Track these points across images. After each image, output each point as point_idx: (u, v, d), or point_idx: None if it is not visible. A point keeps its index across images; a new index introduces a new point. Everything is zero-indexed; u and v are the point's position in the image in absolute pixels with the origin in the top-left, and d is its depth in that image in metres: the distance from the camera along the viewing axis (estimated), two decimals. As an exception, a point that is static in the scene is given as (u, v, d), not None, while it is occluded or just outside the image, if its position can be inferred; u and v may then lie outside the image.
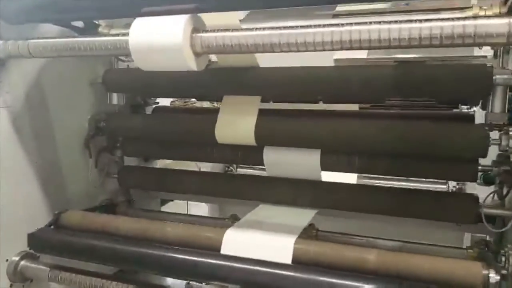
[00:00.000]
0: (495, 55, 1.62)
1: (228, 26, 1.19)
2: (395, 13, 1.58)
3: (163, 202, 2.67)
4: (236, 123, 1.66)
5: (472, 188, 2.26)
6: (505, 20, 1.02)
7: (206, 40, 1.15)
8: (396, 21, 1.08)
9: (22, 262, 1.58)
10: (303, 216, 1.61)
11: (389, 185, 1.73)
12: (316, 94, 1.75)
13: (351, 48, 1.14)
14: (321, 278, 1.19)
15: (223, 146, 1.77)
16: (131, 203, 2.13)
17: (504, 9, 1.21)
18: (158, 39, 1.13)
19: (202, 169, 2.57)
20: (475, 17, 1.19)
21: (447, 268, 1.17)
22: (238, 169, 3.02)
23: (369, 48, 1.39)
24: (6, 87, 1.57)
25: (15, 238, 1.60)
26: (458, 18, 1.06)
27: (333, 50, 1.14)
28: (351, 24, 1.11)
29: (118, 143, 2.05)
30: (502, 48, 1.49)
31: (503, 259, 1.27)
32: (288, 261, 1.31)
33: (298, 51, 1.11)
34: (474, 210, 1.46)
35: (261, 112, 1.66)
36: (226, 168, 3.05)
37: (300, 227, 1.47)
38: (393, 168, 1.59)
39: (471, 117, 1.66)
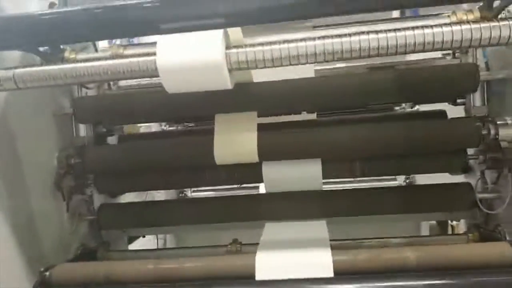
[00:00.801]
0: (453, 56, 1.82)
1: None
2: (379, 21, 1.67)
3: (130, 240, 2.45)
4: (237, 141, 1.60)
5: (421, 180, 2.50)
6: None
7: (242, 56, 1.09)
8: (388, 30, 1.14)
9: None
10: (318, 228, 1.60)
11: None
12: (306, 105, 1.77)
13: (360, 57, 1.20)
14: (374, 284, 1.19)
15: (217, 168, 1.70)
16: (108, 245, 1.91)
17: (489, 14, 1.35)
18: (195, 57, 1.04)
19: (156, 198, 2.43)
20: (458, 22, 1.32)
21: (482, 252, 1.26)
22: (192, 193, 2.93)
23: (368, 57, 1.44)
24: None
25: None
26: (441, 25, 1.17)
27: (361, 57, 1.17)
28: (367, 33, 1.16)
29: (88, 180, 1.84)
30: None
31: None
32: (331, 274, 1.28)
33: (334, 59, 1.11)
34: (471, 197, 1.59)
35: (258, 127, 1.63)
36: (180, 194, 2.93)
37: (326, 239, 1.46)
38: (393, 167, 1.67)
39: (444, 113, 1.81)
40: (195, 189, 2.88)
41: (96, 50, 1.79)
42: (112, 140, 2.04)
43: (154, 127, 2.85)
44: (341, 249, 1.39)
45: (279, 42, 1.14)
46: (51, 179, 1.69)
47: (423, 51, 1.22)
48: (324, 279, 1.25)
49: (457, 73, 1.51)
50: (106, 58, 1.24)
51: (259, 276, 1.30)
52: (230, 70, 1.12)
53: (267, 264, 1.33)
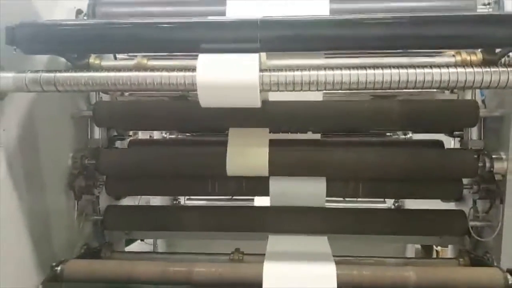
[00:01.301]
0: (452, 91, 1.95)
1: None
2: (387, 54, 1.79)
3: (127, 242, 2.49)
4: (249, 154, 1.69)
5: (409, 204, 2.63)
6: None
7: (274, 78, 1.19)
8: (394, 66, 1.27)
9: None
10: (319, 243, 1.68)
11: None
12: (314, 126, 1.86)
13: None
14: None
15: (226, 179, 1.77)
16: (111, 246, 1.96)
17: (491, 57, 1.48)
18: (232, 77, 1.13)
19: (151, 203, 2.49)
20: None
21: (475, 276, 1.37)
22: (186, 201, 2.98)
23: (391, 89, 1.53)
24: (3, 124, 1.37)
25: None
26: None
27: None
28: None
29: (98, 181, 1.89)
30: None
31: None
32: (334, 286, 1.36)
33: (352, 88, 1.22)
34: (464, 224, 1.71)
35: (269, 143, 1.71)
36: (174, 202, 2.98)
37: (329, 253, 1.54)
38: (393, 191, 1.77)
39: (441, 143, 1.94)
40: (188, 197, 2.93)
41: (115, 58, 1.86)
42: (121, 144, 2.10)
43: (155, 135, 2.94)
44: (341, 264, 1.47)
45: (305, 69, 1.24)
46: (65, 178, 1.74)
47: (429, 88, 1.35)
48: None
49: (460, 108, 1.64)
50: (130, 69, 1.31)
51: (266, 285, 1.37)
52: (261, 91, 1.21)
53: (275, 274, 1.41)
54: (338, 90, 1.28)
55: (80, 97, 1.85)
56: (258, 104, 1.21)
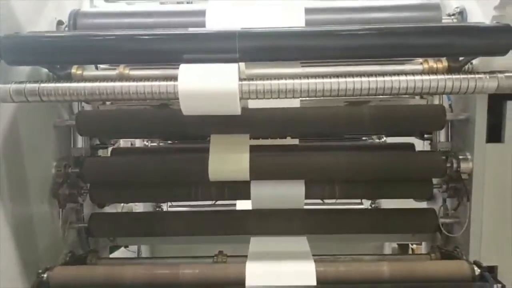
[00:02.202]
0: (421, 97, 2.07)
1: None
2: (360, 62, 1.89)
3: (111, 250, 2.51)
4: (230, 160, 1.74)
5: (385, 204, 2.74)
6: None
7: (253, 87, 1.26)
8: (366, 75, 1.39)
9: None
10: (299, 243, 1.75)
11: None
12: (291, 131, 1.93)
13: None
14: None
15: (208, 184, 1.83)
16: (97, 253, 1.98)
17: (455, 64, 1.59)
18: (213, 86, 1.19)
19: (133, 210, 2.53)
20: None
21: (446, 268, 1.46)
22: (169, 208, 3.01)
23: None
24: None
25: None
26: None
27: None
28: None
29: (82, 189, 1.92)
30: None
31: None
32: (314, 283, 1.43)
33: (333, 96, 1.30)
34: (435, 221, 1.81)
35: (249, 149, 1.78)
36: (156, 209, 3.01)
37: (308, 252, 1.61)
38: (367, 192, 1.86)
39: (413, 146, 2.04)
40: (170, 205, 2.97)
41: (97, 68, 1.89)
42: (103, 153, 2.14)
43: (137, 143, 2.97)
44: (320, 262, 1.54)
45: (283, 78, 1.32)
46: (48, 186, 1.76)
47: (399, 94, 1.46)
48: (308, 287, 1.39)
49: (428, 112, 1.75)
50: (113, 79, 1.37)
51: (249, 283, 1.44)
52: (240, 98, 1.27)
53: (257, 272, 1.47)
54: (313, 97, 1.36)
55: (62, 106, 1.87)
56: (238, 111, 1.28)
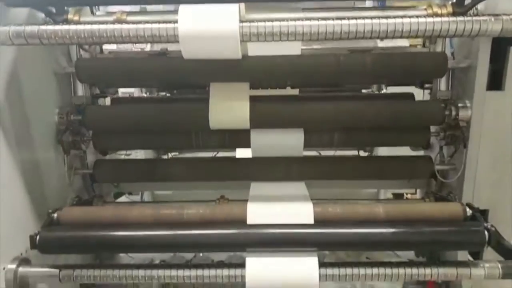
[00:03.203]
0: (423, 45, 2.05)
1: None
2: (363, 9, 1.86)
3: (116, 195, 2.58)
4: (230, 108, 1.76)
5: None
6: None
7: (253, 29, 1.25)
8: (369, 17, 1.37)
9: (21, 269, 1.45)
10: (297, 187, 1.81)
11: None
12: (291, 79, 1.93)
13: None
14: (349, 230, 1.42)
15: (209, 133, 1.86)
16: (103, 198, 2.05)
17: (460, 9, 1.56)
18: (213, 27, 1.19)
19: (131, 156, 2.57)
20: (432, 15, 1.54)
21: (438, 209, 1.52)
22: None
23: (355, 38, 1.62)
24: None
25: (3, 244, 1.46)
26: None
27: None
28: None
29: (85, 137, 1.95)
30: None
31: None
32: (311, 221, 1.50)
33: (336, 39, 1.29)
34: (431, 167, 1.85)
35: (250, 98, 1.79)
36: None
37: (306, 195, 1.67)
38: (366, 140, 1.89)
39: (412, 95, 2.05)
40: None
41: (92, 13, 1.86)
42: (103, 102, 2.15)
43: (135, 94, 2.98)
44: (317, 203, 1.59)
45: (285, 20, 1.31)
46: (52, 133, 1.80)
47: (401, 37, 1.45)
48: (305, 225, 1.46)
49: (430, 59, 1.74)
50: (110, 22, 1.35)
51: (250, 221, 1.50)
52: (241, 41, 1.27)
53: (257, 211, 1.53)
54: (315, 40, 1.35)
55: (61, 54, 1.87)
56: (238, 55, 1.28)
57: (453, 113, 1.74)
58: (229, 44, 1.22)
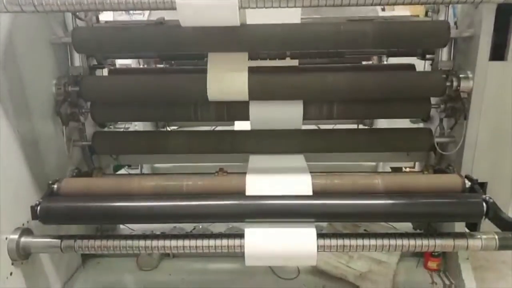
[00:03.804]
0: (426, 15, 2.01)
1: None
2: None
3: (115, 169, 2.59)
4: (229, 79, 1.73)
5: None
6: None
7: (252, -5, 1.21)
8: None
9: (23, 239, 1.47)
10: (296, 160, 1.80)
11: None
12: (291, 47, 1.87)
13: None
14: (345, 202, 1.42)
15: (208, 105, 1.84)
16: (102, 169, 2.05)
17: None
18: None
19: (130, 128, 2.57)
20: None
21: (437, 181, 1.52)
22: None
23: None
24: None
25: (5, 214, 1.47)
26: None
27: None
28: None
29: (83, 108, 1.94)
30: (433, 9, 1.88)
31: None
32: (310, 192, 1.50)
33: (336, 5, 1.26)
34: (431, 140, 1.84)
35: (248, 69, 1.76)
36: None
37: (305, 167, 1.67)
38: (365, 112, 1.87)
39: (413, 66, 2.01)
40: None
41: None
42: (101, 73, 2.12)
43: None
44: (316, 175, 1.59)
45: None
46: (50, 104, 1.78)
47: (404, 3, 1.41)
48: (304, 196, 1.46)
49: (432, 28, 1.70)
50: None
51: (249, 193, 1.50)
52: (240, 8, 1.24)
53: (256, 183, 1.53)
54: (315, 6, 1.32)
55: (57, 24, 1.83)
56: (237, 22, 1.25)
57: (455, 84, 1.72)
58: (227, 10, 1.19)
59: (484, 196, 1.47)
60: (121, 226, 2.17)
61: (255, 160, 1.81)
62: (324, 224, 2.03)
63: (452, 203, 1.45)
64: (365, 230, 2.03)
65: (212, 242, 1.45)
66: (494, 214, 1.43)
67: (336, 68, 1.95)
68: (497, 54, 1.63)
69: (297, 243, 1.42)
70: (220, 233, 1.93)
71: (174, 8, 1.19)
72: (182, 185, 1.55)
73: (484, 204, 1.45)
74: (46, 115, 1.75)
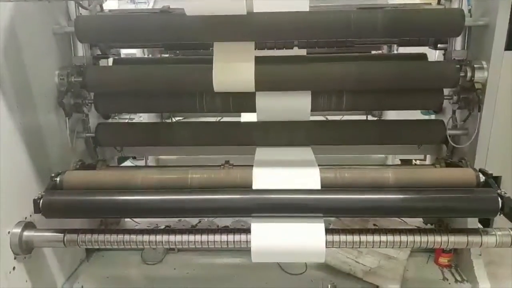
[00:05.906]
0: (438, 2, 1.94)
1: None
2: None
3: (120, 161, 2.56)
4: (235, 69, 1.68)
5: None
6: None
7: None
8: None
9: (26, 233, 1.44)
10: (304, 152, 1.76)
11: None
12: (299, 36, 1.81)
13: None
14: (354, 196, 1.38)
15: (214, 96, 1.80)
16: (106, 162, 2.02)
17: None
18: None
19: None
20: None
21: (450, 175, 1.47)
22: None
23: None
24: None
25: (7, 208, 1.44)
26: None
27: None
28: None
29: (86, 99, 1.90)
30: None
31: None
32: (318, 186, 1.45)
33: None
34: (443, 132, 1.79)
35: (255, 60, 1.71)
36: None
37: (313, 160, 1.62)
38: (375, 103, 1.82)
39: (425, 56, 1.95)
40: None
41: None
42: (105, 63, 2.08)
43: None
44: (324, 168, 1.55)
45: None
46: (53, 95, 1.75)
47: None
48: (312, 190, 1.42)
49: (446, 16, 1.64)
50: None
51: (255, 186, 1.46)
52: (246, -5, 1.18)
53: (263, 176, 1.49)
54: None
55: (59, 13, 1.79)
56: (243, 10, 1.20)
57: (469, 74, 1.66)
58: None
59: (499, 191, 1.41)
60: (125, 219, 2.15)
61: (261, 152, 1.77)
62: (332, 218, 1.99)
63: (466, 198, 1.40)
64: (374, 224, 1.99)
65: (217, 237, 1.42)
66: (510, 209, 1.38)
67: (345, 58, 1.90)
68: (513, 43, 1.57)
69: (305, 239, 1.38)
70: (226, 227, 1.90)
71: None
72: (187, 178, 1.51)
73: (500, 199, 1.40)
74: (49, 106, 1.72)
